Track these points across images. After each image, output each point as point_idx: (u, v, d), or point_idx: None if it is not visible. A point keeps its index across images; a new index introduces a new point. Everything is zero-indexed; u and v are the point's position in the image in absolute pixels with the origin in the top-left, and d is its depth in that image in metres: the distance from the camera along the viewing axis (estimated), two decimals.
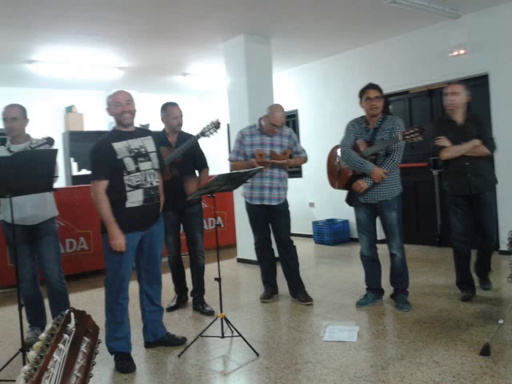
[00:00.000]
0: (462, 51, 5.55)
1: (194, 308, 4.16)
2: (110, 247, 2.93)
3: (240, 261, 6.14)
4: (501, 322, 2.90)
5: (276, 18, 5.24)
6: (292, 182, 4.90)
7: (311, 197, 7.60)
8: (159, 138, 3.61)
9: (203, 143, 4.16)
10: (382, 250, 4.03)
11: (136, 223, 3.00)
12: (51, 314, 3.56)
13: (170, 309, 4.17)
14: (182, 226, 4.15)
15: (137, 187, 2.98)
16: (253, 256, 4.79)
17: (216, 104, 9.17)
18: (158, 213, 3.14)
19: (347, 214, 6.26)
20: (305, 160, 4.31)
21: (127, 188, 2.95)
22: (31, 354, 1.22)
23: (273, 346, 3.22)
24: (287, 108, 5.44)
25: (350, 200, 3.99)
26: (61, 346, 1.25)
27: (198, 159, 4.09)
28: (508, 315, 3.11)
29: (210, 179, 3.19)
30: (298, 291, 4.19)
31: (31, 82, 7.36)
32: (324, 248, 6.80)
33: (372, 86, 3.76)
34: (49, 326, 1.28)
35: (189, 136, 3.96)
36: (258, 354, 3.05)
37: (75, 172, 7.92)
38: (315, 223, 7.19)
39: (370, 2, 4.89)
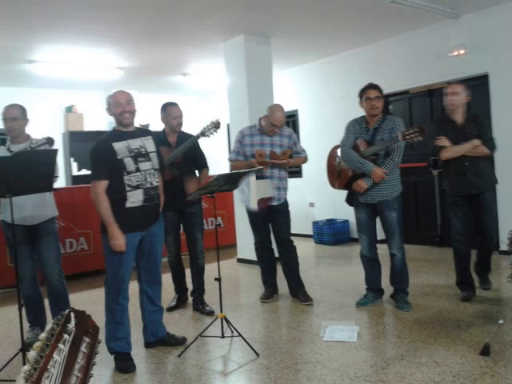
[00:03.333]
0: (462, 51, 5.55)
1: (193, 308, 4.16)
2: (110, 247, 2.93)
3: (240, 261, 6.14)
4: (501, 321, 2.90)
5: (276, 17, 5.24)
6: (292, 182, 4.89)
7: (311, 197, 7.60)
8: (159, 138, 3.61)
9: (203, 143, 4.16)
10: (382, 250, 4.03)
11: (136, 223, 3.00)
12: (51, 314, 3.56)
13: (170, 309, 4.17)
14: (182, 225, 4.16)
15: (137, 187, 2.98)
16: (253, 256, 4.79)
17: (216, 104, 9.17)
18: (158, 213, 3.14)
19: (347, 213, 6.26)
20: (305, 160, 4.31)
21: (127, 188, 2.95)
22: (31, 354, 1.22)
23: (273, 345, 3.22)
24: (287, 108, 5.44)
25: (350, 200, 3.99)
26: (61, 345, 1.25)
27: (198, 159, 4.09)
28: (508, 315, 3.11)
29: (210, 179, 3.19)
30: (298, 291, 4.19)
31: (31, 82, 7.36)
32: (324, 248, 6.80)
33: (372, 86, 3.76)
34: (49, 326, 1.28)
35: (189, 136, 3.96)
36: (258, 354, 3.05)
37: (75, 172, 7.92)
38: (315, 223, 7.19)
39: (369, 2, 4.89)
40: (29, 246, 3.43)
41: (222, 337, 3.24)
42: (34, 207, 3.37)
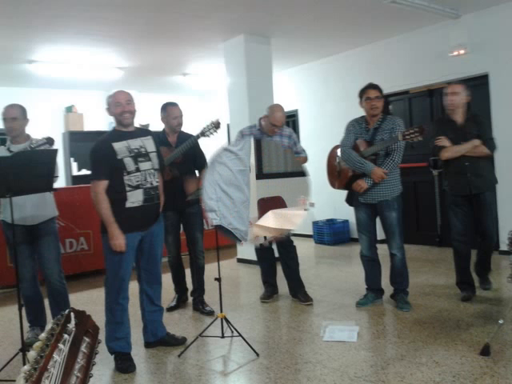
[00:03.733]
0: (462, 51, 5.55)
1: (193, 308, 4.16)
2: (110, 247, 2.93)
3: (240, 261, 6.14)
4: (501, 321, 2.90)
5: (276, 17, 5.24)
6: None
7: (311, 197, 7.58)
8: (159, 138, 3.61)
9: (203, 143, 4.16)
10: (382, 250, 4.03)
11: (136, 223, 3.00)
12: (51, 314, 3.56)
13: (170, 309, 4.17)
14: (181, 225, 4.16)
15: (137, 187, 2.98)
16: (253, 256, 4.79)
17: (216, 104, 9.16)
18: (158, 213, 3.14)
19: (347, 213, 6.25)
20: (305, 160, 4.31)
21: (127, 188, 2.95)
22: (31, 354, 1.22)
23: (273, 345, 3.22)
24: (287, 108, 5.43)
25: (350, 200, 4.00)
26: (61, 345, 1.25)
27: (198, 159, 4.09)
28: (508, 315, 3.11)
29: None
30: (298, 291, 4.19)
31: (31, 82, 7.36)
32: (324, 248, 6.79)
33: (372, 86, 3.76)
34: (49, 326, 1.29)
35: (189, 136, 3.96)
36: (258, 354, 3.05)
37: (75, 172, 7.92)
38: (315, 223, 7.19)
39: (369, 2, 4.89)
40: (29, 246, 3.43)
41: (222, 337, 3.24)
42: (34, 207, 3.37)
